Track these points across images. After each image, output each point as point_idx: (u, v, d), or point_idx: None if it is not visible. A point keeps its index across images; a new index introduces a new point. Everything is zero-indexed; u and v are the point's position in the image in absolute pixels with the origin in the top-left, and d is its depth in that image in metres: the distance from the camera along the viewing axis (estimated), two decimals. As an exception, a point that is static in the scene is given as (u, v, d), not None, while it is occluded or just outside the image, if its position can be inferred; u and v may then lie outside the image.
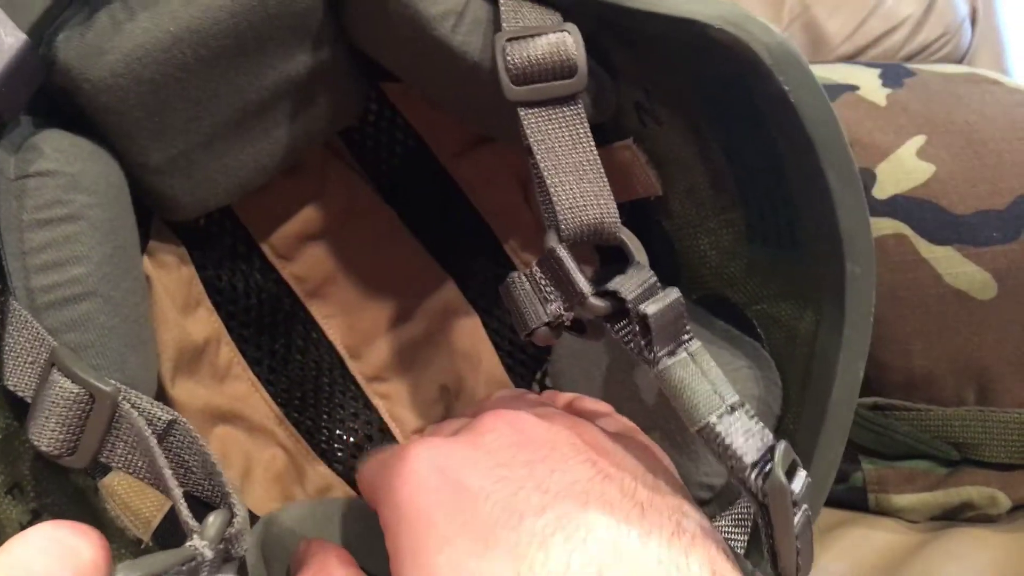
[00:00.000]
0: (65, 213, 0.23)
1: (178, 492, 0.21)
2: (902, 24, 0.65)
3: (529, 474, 0.22)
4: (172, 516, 0.28)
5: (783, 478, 0.21)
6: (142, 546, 0.27)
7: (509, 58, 0.25)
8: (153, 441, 0.21)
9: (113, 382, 0.22)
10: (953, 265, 0.37)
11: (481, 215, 0.38)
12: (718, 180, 0.28)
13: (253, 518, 0.31)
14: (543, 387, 0.37)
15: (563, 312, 0.24)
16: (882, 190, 0.38)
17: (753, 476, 0.21)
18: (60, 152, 0.23)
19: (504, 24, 0.25)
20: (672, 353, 0.23)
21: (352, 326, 0.37)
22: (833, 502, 0.40)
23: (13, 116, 0.23)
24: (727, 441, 0.21)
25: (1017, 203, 0.37)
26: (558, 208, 0.24)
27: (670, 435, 0.29)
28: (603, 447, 0.24)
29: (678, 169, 0.29)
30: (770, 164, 0.25)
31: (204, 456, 0.22)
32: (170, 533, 0.28)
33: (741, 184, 0.28)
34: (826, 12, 0.64)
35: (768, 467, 0.21)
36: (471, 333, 0.38)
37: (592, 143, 0.25)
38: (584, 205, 0.24)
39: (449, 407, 0.38)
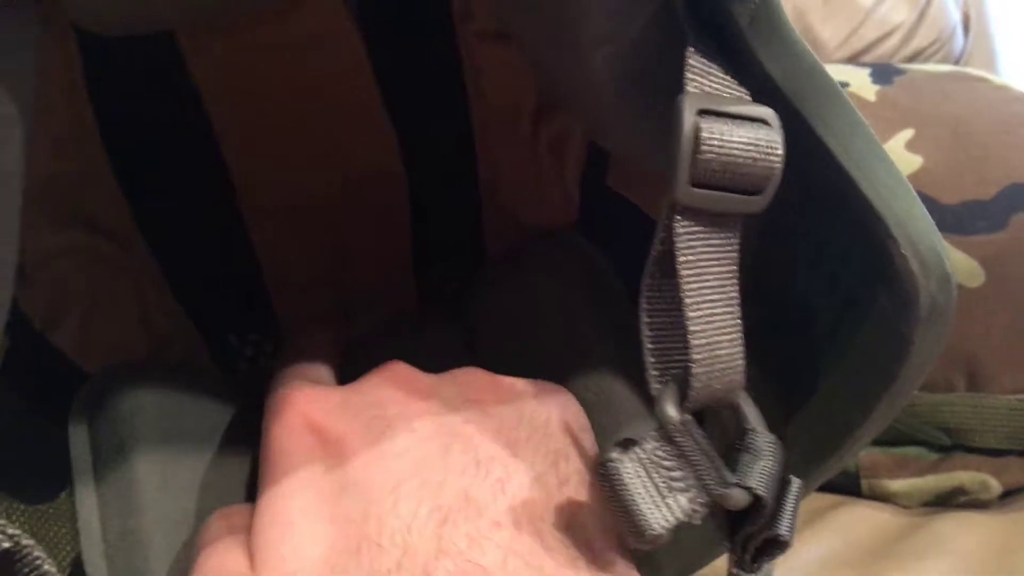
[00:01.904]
0: None
1: None
2: (895, 31, 0.66)
3: (400, 414, 0.21)
4: None
5: None
6: None
7: (706, 140, 0.17)
8: None
9: None
10: (941, 253, 0.37)
11: (471, 115, 0.32)
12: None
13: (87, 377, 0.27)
14: (445, 291, 0.34)
15: (700, 508, 0.18)
16: (871, 181, 0.39)
17: None
18: None
19: (690, 82, 0.17)
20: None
21: (259, 156, 0.31)
22: (826, 487, 0.40)
23: None
24: None
25: (1004, 193, 0.38)
26: (694, 366, 0.18)
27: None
28: (493, 395, 0.23)
29: None
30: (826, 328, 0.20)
31: None
32: None
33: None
34: (820, 19, 0.66)
35: None
36: (391, 203, 0.33)
37: (737, 284, 0.18)
38: (722, 368, 0.18)
39: (338, 277, 0.34)
